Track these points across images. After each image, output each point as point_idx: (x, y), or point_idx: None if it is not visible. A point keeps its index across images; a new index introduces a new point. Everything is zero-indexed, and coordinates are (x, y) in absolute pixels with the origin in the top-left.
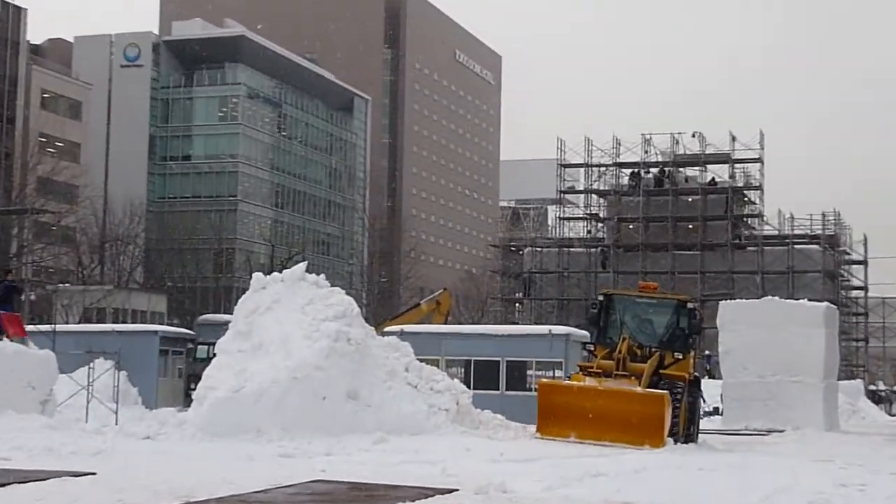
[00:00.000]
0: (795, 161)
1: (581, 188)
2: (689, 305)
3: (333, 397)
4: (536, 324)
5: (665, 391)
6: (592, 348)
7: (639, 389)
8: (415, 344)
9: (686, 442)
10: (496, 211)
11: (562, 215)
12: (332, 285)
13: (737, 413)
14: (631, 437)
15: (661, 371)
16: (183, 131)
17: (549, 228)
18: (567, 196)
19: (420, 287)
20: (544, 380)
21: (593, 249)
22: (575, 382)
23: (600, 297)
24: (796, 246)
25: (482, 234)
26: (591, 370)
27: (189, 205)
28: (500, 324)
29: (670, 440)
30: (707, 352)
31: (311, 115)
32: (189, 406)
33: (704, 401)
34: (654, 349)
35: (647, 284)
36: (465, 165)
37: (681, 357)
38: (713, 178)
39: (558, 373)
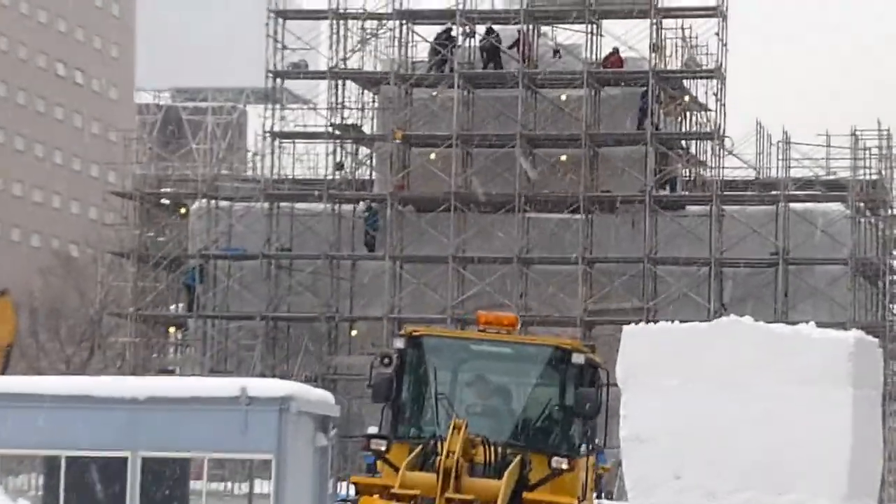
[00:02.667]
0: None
1: (322, 68)
2: (576, 358)
3: None
4: (215, 374)
5: None
6: (383, 447)
7: None
8: None
9: None
10: (128, 115)
11: (277, 126)
12: None
13: None
14: None
15: (524, 496)
16: None
17: (250, 157)
18: (288, 84)
19: None
20: None
21: (347, 206)
22: None
23: (397, 345)
24: (794, 205)
25: (97, 166)
26: (392, 492)
27: None
28: (134, 371)
29: None
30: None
31: None
32: None
33: None
34: (510, 449)
35: (494, 317)
36: (69, 13)
37: (565, 466)
38: (615, 51)
39: (264, 483)
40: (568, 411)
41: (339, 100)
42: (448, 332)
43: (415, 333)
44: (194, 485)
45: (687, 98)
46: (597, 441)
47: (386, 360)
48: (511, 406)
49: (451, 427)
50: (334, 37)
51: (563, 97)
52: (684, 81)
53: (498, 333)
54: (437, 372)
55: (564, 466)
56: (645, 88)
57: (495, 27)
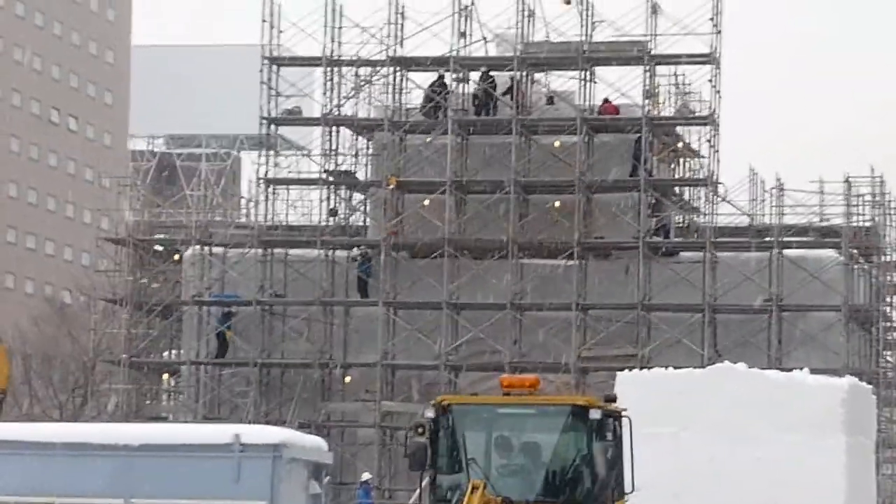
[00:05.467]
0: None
1: (315, 115)
2: (593, 414)
3: None
4: (208, 420)
5: None
6: None
7: None
8: None
9: None
10: (122, 161)
11: (271, 172)
12: None
13: None
14: None
15: None
16: None
17: (244, 203)
18: (282, 131)
19: None
20: None
21: (341, 253)
22: None
23: (429, 414)
24: (788, 252)
25: (90, 212)
26: None
27: None
28: (126, 418)
29: None
30: None
31: None
32: None
33: None
34: None
35: (517, 380)
36: (63, 60)
37: None
38: (605, 101)
39: None
40: (591, 464)
41: (333, 146)
42: (475, 399)
43: (444, 402)
44: None
45: (680, 145)
46: (625, 489)
47: (420, 429)
48: (539, 464)
49: (469, 487)
50: (328, 83)
51: (557, 144)
52: (678, 128)
53: (521, 396)
54: (466, 436)
55: None
56: (638, 135)
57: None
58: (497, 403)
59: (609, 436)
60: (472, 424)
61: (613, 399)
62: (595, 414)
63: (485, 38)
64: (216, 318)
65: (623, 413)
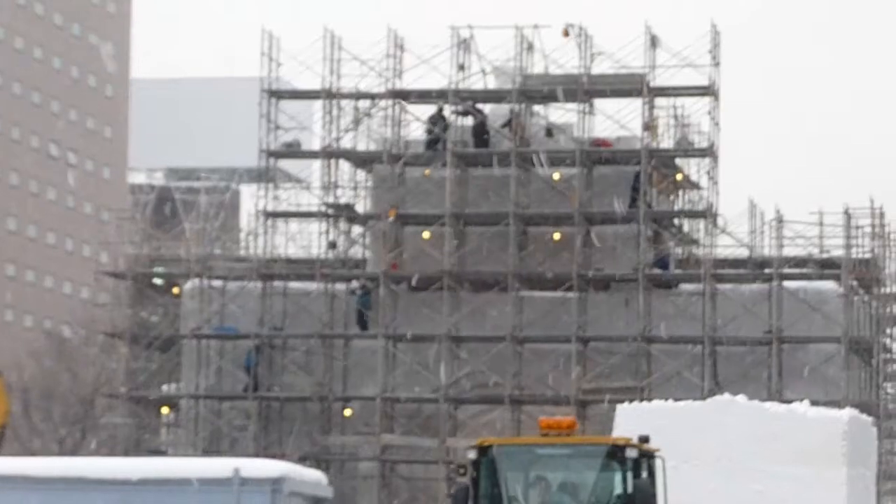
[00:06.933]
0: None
1: (315, 148)
2: (630, 453)
3: None
4: (207, 454)
5: None
6: None
7: None
8: None
9: None
10: (121, 195)
11: (270, 205)
12: None
13: None
14: None
15: None
16: None
17: (243, 236)
18: (282, 164)
19: None
20: None
21: (340, 286)
22: None
23: (470, 455)
24: (787, 283)
25: (89, 245)
26: None
27: None
28: (127, 452)
29: None
30: None
31: None
32: None
33: None
34: None
35: (555, 421)
36: (62, 93)
37: None
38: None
39: None
40: (628, 502)
41: (333, 179)
42: (515, 440)
43: (485, 443)
44: None
45: (679, 176)
46: None
47: (462, 471)
48: (577, 502)
49: None
50: (327, 116)
51: (556, 176)
52: (677, 160)
53: (559, 436)
54: (507, 476)
55: None
56: (638, 167)
57: (482, 105)
58: (536, 444)
59: (644, 474)
60: (512, 465)
61: (647, 439)
62: (631, 453)
63: (483, 71)
64: (245, 356)
65: (657, 453)
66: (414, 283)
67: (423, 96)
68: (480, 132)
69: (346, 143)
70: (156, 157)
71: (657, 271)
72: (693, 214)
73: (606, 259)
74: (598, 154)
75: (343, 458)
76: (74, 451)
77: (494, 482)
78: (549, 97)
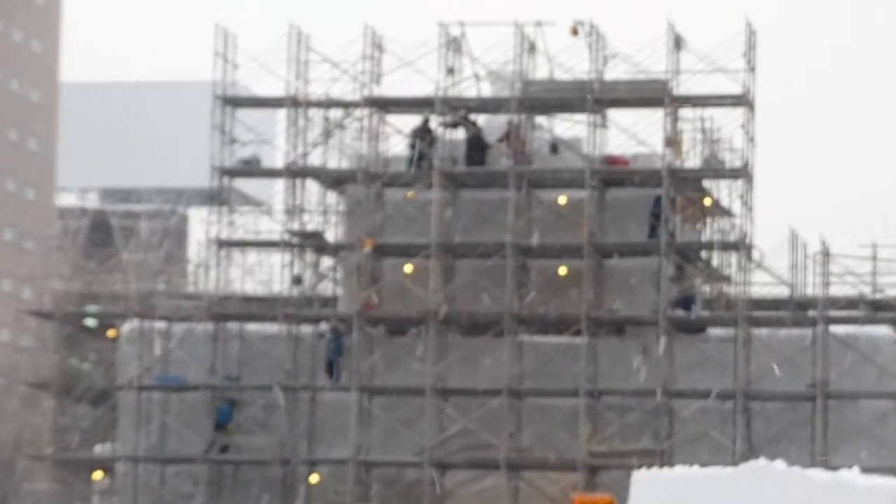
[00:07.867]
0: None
1: (277, 165)
2: None
3: None
4: None
5: None
6: None
7: None
8: None
9: None
10: (48, 220)
11: (224, 233)
12: None
13: None
14: None
15: None
16: None
17: (191, 269)
18: (238, 184)
19: None
20: None
21: (306, 328)
22: None
23: None
24: (834, 328)
25: (9, 280)
26: None
27: None
28: None
29: None
30: None
31: None
32: None
33: None
34: None
35: (590, 499)
36: None
37: None
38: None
39: None
40: None
41: (298, 202)
42: None
43: None
44: None
45: (708, 201)
46: None
47: None
48: None
49: None
50: (292, 128)
51: (563, 200)
52: (705, 182)
53: None
54: None
55: None
56: (658, 190)
57: (475, 115)
58: None
59: None
60: None
61: None
62: None
63: (477, 76)
64: (216, 412)
65: None
66: (393, 325)
67: (405, 105)
68: (473, 147)
69: (315, 159)
70: (89, 175)
71: (681, 313)
72: (724, 246)
73: (621, 298)
74: (612, 174)
75: None
76: None
77: None
78: (554, 107)
